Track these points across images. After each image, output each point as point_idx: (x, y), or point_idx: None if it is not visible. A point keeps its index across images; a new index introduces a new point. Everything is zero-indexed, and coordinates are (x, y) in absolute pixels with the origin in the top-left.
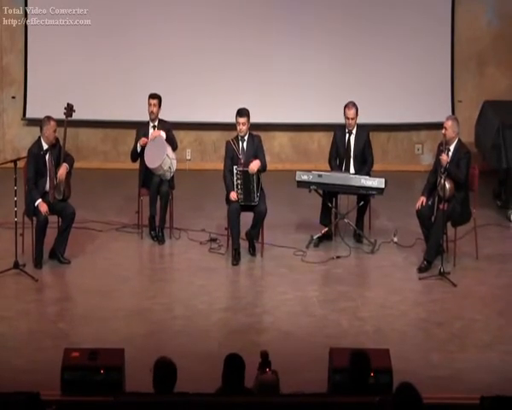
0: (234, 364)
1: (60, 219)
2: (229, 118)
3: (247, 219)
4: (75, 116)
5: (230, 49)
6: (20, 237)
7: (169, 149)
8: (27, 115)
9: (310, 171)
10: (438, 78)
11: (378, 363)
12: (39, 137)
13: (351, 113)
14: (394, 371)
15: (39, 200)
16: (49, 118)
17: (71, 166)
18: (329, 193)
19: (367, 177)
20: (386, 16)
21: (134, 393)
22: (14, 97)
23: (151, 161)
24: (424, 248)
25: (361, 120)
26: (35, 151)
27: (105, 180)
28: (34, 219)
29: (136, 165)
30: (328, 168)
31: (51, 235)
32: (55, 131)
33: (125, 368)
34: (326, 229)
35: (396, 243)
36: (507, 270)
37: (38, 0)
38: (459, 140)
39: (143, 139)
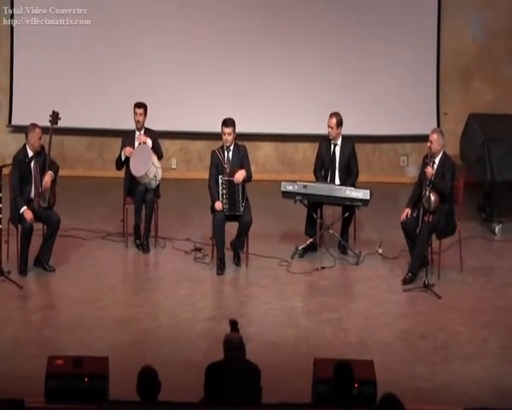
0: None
1: (45, 227)
2: (215, 128)
3: (231, 229)
4: (60, 124)
5: (216, 60)
6: (4, 244)
7: (154, 158)
8: (13, 122)
9: (295, 181)
10: (423, 90)
11: (362, 374)
12: (24, 145)
13: (332, 121)
14: (378, 383)
15: (24, 207)
16: (34, 125)
17: (56, 173)
18: (314, 204)
19: (352, 188)
20: (371, 29)
21: (118, 401)
22: None
23: (136, 170)
24: (409, 260)
25: (346, 131)
26: (20, 158)
27: (90, 188)
28: (19, 226)
29: (122, 173)
30: (314, 179)
31: (36, 242)
32: (40, 138)
33: (110, 376)
34: (311, 240)
35: (381, 254)
36: (491, 283)
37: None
38: (444, 153)
39: (128, 149)
